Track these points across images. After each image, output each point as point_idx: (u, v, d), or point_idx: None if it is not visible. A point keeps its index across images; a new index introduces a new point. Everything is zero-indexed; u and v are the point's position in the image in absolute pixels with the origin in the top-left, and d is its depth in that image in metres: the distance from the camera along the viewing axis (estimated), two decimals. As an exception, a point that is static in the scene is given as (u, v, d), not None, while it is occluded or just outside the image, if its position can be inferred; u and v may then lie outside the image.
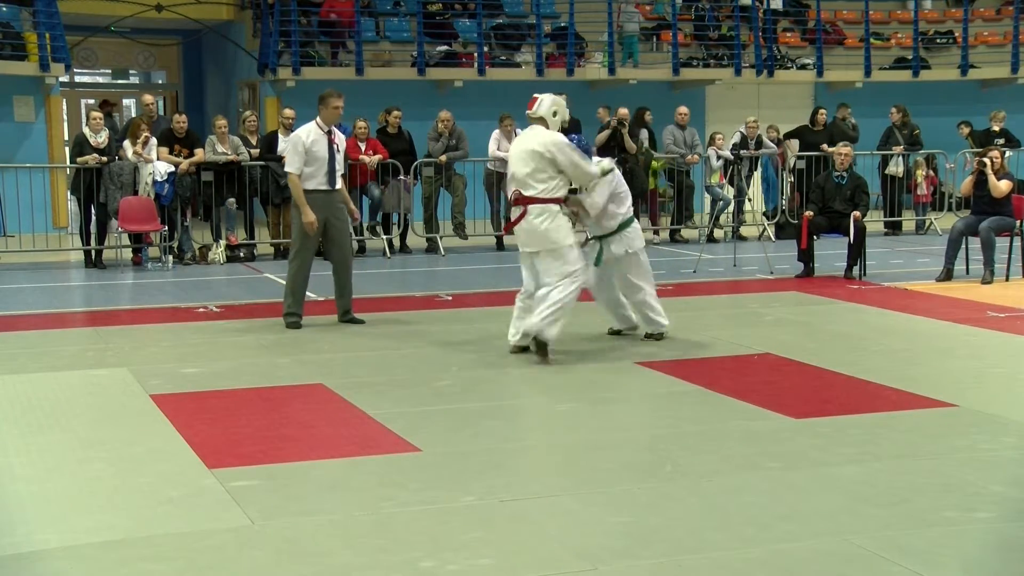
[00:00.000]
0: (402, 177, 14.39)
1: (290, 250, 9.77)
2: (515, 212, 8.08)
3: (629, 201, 8.57)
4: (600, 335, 8.87)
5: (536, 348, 7.96)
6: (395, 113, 14.75)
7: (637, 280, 8.56)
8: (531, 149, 7.90)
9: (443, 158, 14.56)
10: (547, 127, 8.02)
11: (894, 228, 16.69)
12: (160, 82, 22.87)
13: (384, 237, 14.61)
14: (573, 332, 8.80)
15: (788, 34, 21.17)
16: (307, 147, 9.09)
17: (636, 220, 8.71)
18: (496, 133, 14.67)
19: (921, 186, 16.92)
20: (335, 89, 9.46)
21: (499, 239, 14.93)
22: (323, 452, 5.83)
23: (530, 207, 7.93)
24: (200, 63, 21.79)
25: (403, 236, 14.85)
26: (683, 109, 16.00)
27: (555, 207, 7.95)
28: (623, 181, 8.57)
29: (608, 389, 7.32)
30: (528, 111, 8.10)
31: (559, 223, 7.94)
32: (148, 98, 14.96)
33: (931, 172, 17.08)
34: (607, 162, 8.40)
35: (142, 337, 8.99)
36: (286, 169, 9.35)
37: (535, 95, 8.18)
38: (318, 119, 9.24)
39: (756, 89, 20.19)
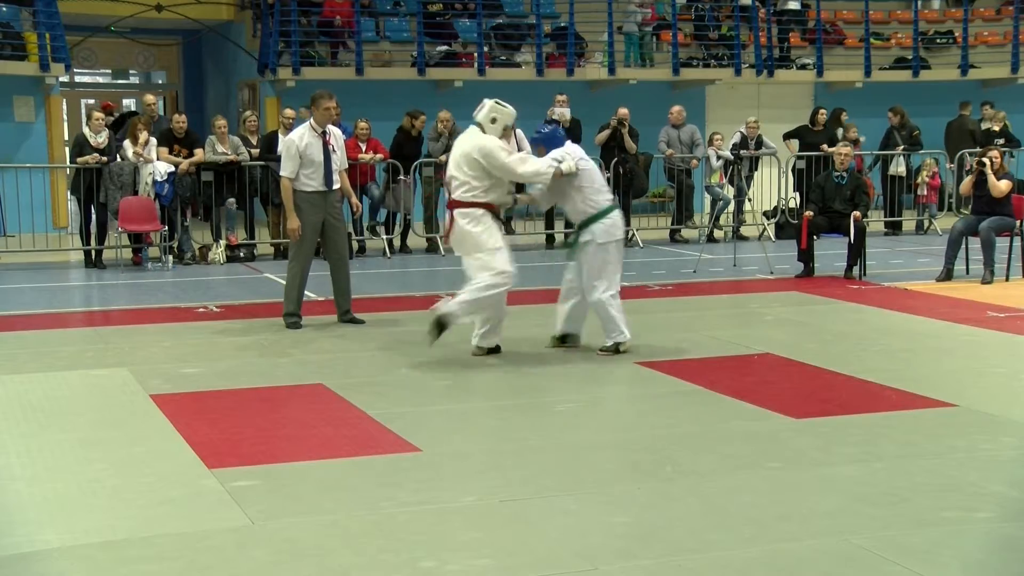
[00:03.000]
0: (402, 177, 14.39)
1: (289, 251, 9.77)
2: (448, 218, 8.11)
3: (606, 192, 8.23)
4: (599, 334, 8.84)
5: (433, 326, 7.79)
6: (421, 118, 14.79)
7: (593, 277, 7.99)
8: (463, 152, 7.93)
9: (443, 158, 14.55)
10: (483, 132, 8.00)
11: (894, 228, 16.69)
12: (160, 82, 22.86)
13: (385, 237, 14.61)
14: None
15: (788, 34, 21.15)
16: (301, 151, 9.08)
17: (616, 212, 8.22)
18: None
19: (923, 187, 16.91)
20: (329, 90, 9.45)
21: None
22: (323, 452, 5.83)
23: (457, 211, 7.94)
24: (200, 63, 21.79)
25: (404, 236, 14.85)
26: (676, 108, 15.96)
27: (480, 211, 7.92)
28: (598, 173, 8.26)
29: (608, 389, 7.32)
30: (474, 114, 8.13)
31: (485, 226, 7.91)
32: (149, 98, 14.96)
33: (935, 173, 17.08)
34: (567, 164, 8.03)
35: (142, 337, 8.99)
36: (280, 173, 9.34)
37: (484, 99, 8.17)
38: (311, 121, 9.23)
39: (756, 89, 20.19)
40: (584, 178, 8.11)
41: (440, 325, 7.81)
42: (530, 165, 8.01)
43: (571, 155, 8.12)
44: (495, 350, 8.17)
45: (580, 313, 8.32)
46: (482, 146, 7.87)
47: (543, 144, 8.26)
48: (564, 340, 8.38)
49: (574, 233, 8.29)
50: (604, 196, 8.22)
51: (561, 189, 8.15)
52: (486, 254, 7.88)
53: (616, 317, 8.06)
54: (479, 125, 8.03)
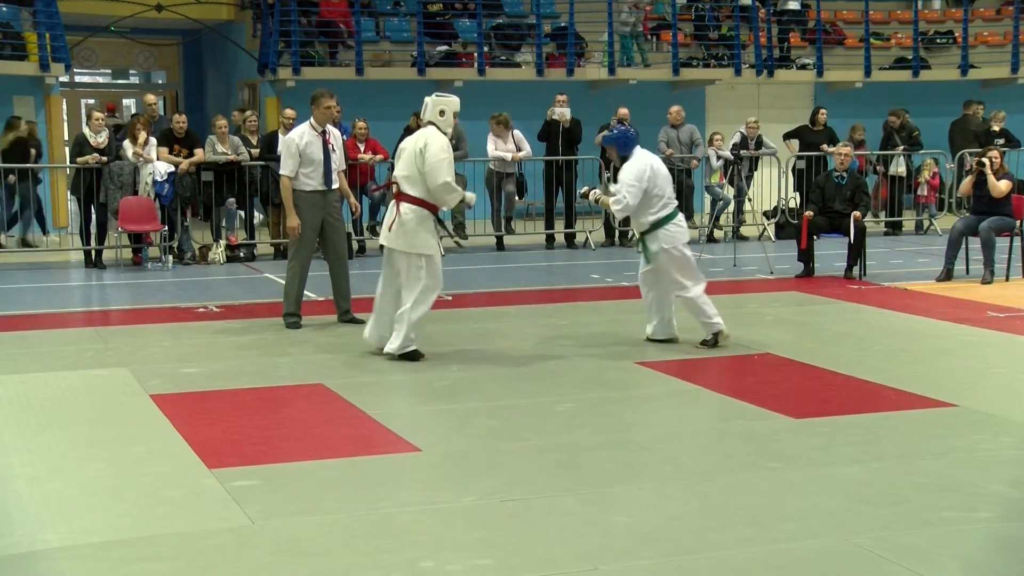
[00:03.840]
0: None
1: (288, 251, 9.77)
2: (392, 209, 8.09)
3: (664, 201, 8.29)
4: (599, 334, 8.87)
5: (402, 359, 7.93)
6: None
7: (679, 276, 8.34)
8: (416, 150, 7.94)
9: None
10: (439, 129, 8.02)
11: (894, 228, 16.69)
12: (160, 82, 22.86)
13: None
14: (573, 332, 8.81)
15: (788, 34, 21.15)
16: (301, 149, 9.08)
17: (678, 217, 8.42)
18: (491, 133, 14.72)
19: (923, 187, 16.91)
20: (329, 89, 9.45)
21: (499, 239, 14.94)
22: (323, 452, 5.83)
23: (403, 205, 7.95)
24: (200, 63, 21.79)
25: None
26: (675, 108, 15.96)
27: (425, 211, 7.95)
28: (659, 183, 8.28)
29: (608, 389, 7.32)
30: (421, 115, 8.17)
31: (426, 228, 7.94)
32: (150, 98, 14.96)
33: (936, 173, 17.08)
34: (469, 196, 8.21)
35: (142, 337, 8.99)
36: (279, 172, 9.33)
37: (425, 98, 8.19)
38: (311, 120, 9.23)
39: (756, 89, 20.19)
40: (654, 186, 8.24)
41: (408, 356, 7.94)
42: (447, 184, 7.91)
43: (627, 182, 8.19)
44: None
45: (662, 306, 8.55)
46: (431, 148, 7.87)
47: (615, 144, 8.37)
48: (656, 341, 8.60)
49: (640, 240, 8.48)
50: (661, 204, 8.29)
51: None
52: (420, 259, 7.92)
53: (707, 310, 8.37)
54: (431, 124, 8.04)
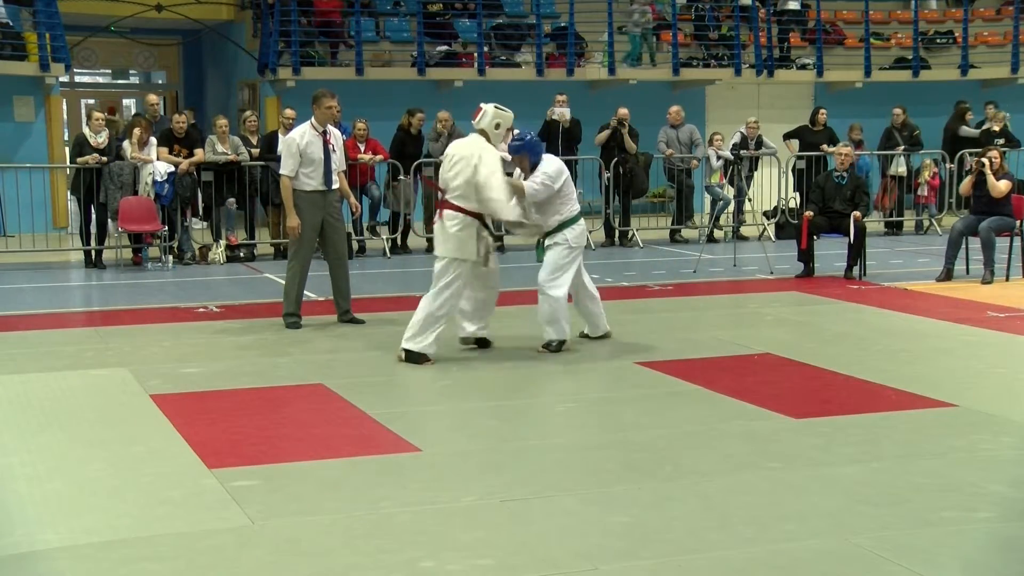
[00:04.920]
0: (402, 177, 14.39)
1: (288, 251, 9.78)
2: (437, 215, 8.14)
3: (572, 203, 8.30)
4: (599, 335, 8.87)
5: (407, 359, 7.90)
6: (419, 115, 14.76)
7: (554, 272, 8.21)
8: (462, 157, 7.94)
9: (442, 158, 14.55)
10: (488, 140, 8.02)
11: (895, 228, 16.69)
12: (160, 82, 22.86)
13: (388, 237, 14.60)
14: (572, 332, 8.79)
15: (788, 34, 21.15)
16: (301, 149, 9.08)
17: (581, 222, 8.40)
18: None
19: (924, 187, 16.91)
20: (330, 89, 9.45)
21: (499, 239, 14.91)
22: (323, 452, 5.83)
23: (447, 211, 7.99)
24: (200, 63, 21.79)
25: (404, 236, 14.84)
26: (675, 108, 15.96)
27: (468, 217, 7.97)
28: (569, 185, 8.30)
29: (608, 389, 7.32)
30: (472, 120, 8.12)
31: (468, 234, 7.96)
32: (152, 98, 14.95)
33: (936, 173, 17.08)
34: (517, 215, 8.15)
35: (142, 337, 8.99)
36: (280, 171, 9.33)
37: (480, 105, 8.16)
38: (312, 120, 9.23)
39: (756, 89, 20.19)
40: (565, 186, 8.23)
41: (413, 356, 7.90)
42: (502, 203, 7.92)
43: (547, 174, 8.13)
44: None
45: (583, 304, 8.53)
46: (482, 158, 7.87)
47: (526, 152, 8.22)
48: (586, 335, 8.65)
49: (539, 243, 8.39)
50: (569, 207, 8.30)
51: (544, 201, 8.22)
52: (453, 263, 7.95)
53: (566, 316, 8.24)
54: (482, 132, 8.04)
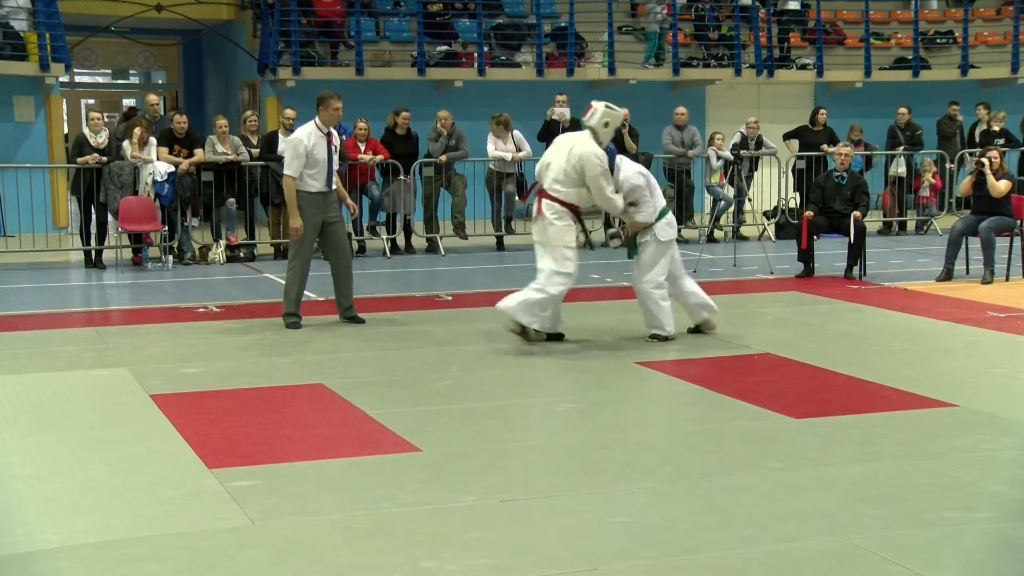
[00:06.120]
0: (401, 177, 14.38)
1: (289, 251, 9.78)
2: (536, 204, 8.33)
3: (652, 205, 8.47)
4: (599, 334, 8.86)
5: (513, 328, 8.22)
6: (404, 114, 14.74)
7: (642, 269, 8.51)
8: (569, 152, 8.15)
9: (443, 158, 14.56)
10: (596, 138, 8.23)
11: (898, 227, 16.68)
12: (160, 82, 22.87)
13: (388, 237, 14.60)
14: (573, 332, 8.80)
15: (788, 34, 21.15)
16: (308, 150, 9.08)
17: (667, 216, 8.60)
18: (490, 134, 14.74)
19: (925, 187, 16.91)
20: (334, 90, 9.45)
21: (499, 239, 14.93)
22: (323, 452, 5.83)
23: (546, 203, 8.19)
24: (200, 63, 21.79)
25: (407, 237, 14.82)
26: (681, 109, 15.98)
27: (566, 210, 8.23)
28: (654, 181, 8.60)
29: (608, 389, 7.32)
30: (583, 117, 8.32)
31: (566, 225, 8.22)
32: (152, 98, 14.95)
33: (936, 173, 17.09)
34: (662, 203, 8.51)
35: (142, 337, 8.99)
36: (284, 172, 9.31)
37: (591, 102, 8.34)
38: (317, 120, 9.22)
39: (756, 89, 20.19)
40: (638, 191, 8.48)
41: (521, 328, 8.20)
42: (613, 199, 8.29)
43: (638, 171, 8.53)
44: (556, 337, 8.54)
45: (682, 296, 8.79)
46: (591, 159, 8.12)
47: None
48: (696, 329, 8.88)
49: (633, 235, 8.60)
50: (650, 206, 8.50)
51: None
52: (560, 249, 8.19)
53: (661, 309, 8.53)
54: (591, 130, 8.23)
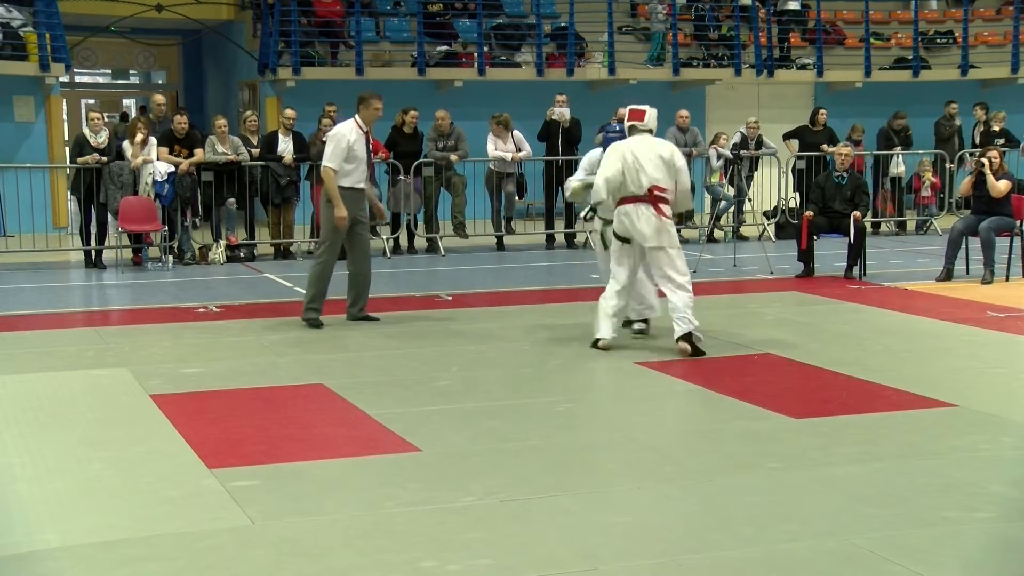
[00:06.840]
0: (402, 177, 14.38)
1: (318, 246, 9.75)
2: (641, 207, 8.22)
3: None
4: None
5: (690, 344, 8.14)
6: (412, 113, 14.71)
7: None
8: (664, 157, 8.32)
9: (454, 157, 14.54)
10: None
11: (897, 227, 16.69)
12: (160, 82, 22.87)
13: (390, 237, 14.59)
14: (573, 332, 8.81)
15: (788, 34, 21.15)
16: (350, 145, 9.10)
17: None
18: (491, 134, 14.74)
19: (926, 187, 16.91)
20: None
21: (499, 239, 14.94)
22: (323, 452, 5.83)
23: (664, 207, 8.27)
24: (200, 63, 21.79)
25: (411, 237, 14.81)
26: (684, 112, 15.96)
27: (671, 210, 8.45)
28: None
29: (608, 389, 7.32)
30: (638, 122, 8.45)
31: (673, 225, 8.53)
32: (158, 98, 14.91)
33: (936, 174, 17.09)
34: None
35: (142, 337, 8.99)
36: (326, 164, 9.19)
37: (642, 107, 8.54)
38: (357, 118, 9.26)
39: (756, 89, 20.19)
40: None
41: (694, 339, 8.14)
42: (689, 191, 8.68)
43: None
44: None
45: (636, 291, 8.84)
46: (679, 155, 8.45)
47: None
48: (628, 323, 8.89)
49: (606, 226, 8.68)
50: None
51: None
52: (680, 251, 8.34)
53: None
54: (649, 131, 8.47)
